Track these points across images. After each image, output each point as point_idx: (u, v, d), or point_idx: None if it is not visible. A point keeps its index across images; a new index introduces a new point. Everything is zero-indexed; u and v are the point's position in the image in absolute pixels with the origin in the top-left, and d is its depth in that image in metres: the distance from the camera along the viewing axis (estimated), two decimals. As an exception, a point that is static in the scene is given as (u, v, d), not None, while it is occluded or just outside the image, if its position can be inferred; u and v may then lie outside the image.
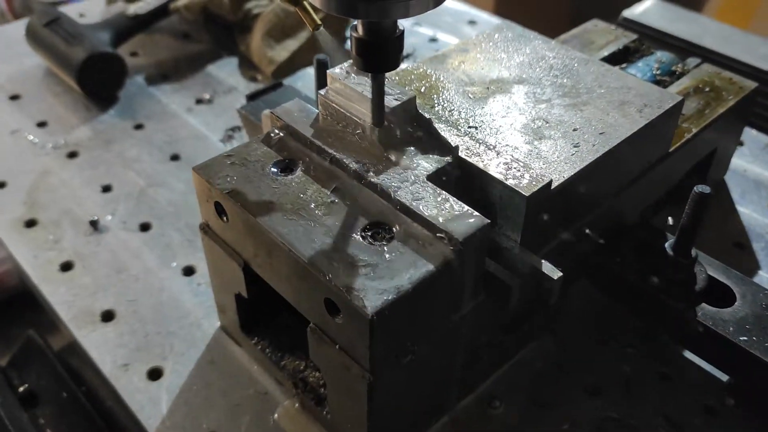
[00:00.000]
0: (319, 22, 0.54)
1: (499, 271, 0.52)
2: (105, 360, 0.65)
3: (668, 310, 0.61)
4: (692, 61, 0.85)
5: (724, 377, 0.63)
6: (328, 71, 0.57)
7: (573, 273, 0.65)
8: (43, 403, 0.69)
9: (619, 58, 0.82)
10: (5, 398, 0.68)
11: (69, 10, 1.15)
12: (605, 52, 0.81)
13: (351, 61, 0.58)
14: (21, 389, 0.70)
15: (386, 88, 0.55)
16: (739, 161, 0.87)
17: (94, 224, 0.78)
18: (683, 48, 0.99)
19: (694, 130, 0.71)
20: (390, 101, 0.54)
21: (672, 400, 0.62)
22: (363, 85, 0.56)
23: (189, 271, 0.73)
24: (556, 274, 0.52)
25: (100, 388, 0.68)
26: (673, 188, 0.75)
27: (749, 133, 0.92)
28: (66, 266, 0.74)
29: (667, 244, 0.62)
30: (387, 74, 0.59)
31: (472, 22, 1.16)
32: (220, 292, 0.64)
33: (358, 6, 0.46)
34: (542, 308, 0.62)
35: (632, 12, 1.08)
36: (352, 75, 0.57)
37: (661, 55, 0.82)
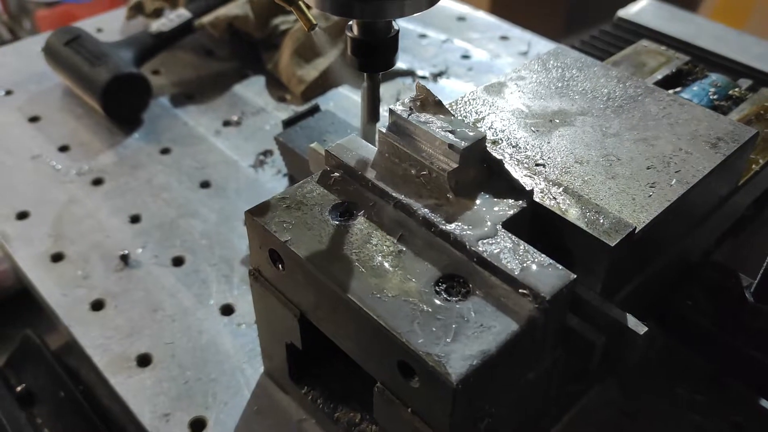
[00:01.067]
0: (314, 22, 0.52)
1: (581, 327, 0.48)
2: (144, 410, 0.61)
3: (746, 359, 0.57)
4: (744, 82, 0.82)
5: (802, 426, 0.60)
6: (390, 107, 0.53)
7: (642, 318, 0.61)
8: (40, 403, 0.67)
9: (673, 81, 0.79)
10: (2, 398, 0.67)
11: (86, 25, 1.11)
12: (658, 76, 0.78)
13: (413, 95, 0.55)
14: (18, 389, 0.68)
15: (454, 126, 0.52)
16: (794, 188, 0.84)
17: (124, 259, 0.74)
18: (678, 48, 0.97)
19: (762, 161, 0.67)
20: (458, 141, 0.50)
21: (748, 452, 0.58)
22: (428, 123, 0.52)
23: (227, 310, 0.69)
24: (641, 329, 0.48)
25: (97, 387, 0.67)
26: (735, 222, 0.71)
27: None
28: (97, 305, 0.70)
29: (746, 290, 0.58)
30: (447, 106, 0.56)
31: (504, 38, 1.12)
32: (269, 339, 0.60)
33: (354, 6, 0.46)
34: (622, 362, 0.58)
35: (627, 12, 1.07)
36: (416, 112, 0.53)
37: (716, 78, 0.79)
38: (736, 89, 0.78)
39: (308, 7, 0.51)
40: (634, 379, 0.63)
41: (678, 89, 0.77)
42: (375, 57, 0.51)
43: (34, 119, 0.95)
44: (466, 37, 1.11)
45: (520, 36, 1.12)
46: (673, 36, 1.00)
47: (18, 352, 0.71)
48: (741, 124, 0.62)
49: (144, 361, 0.65)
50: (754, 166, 0.67)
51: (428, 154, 0.52)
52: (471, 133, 0.51)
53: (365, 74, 0.52)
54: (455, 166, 0.50)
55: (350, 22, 0.50)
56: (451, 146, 0.50)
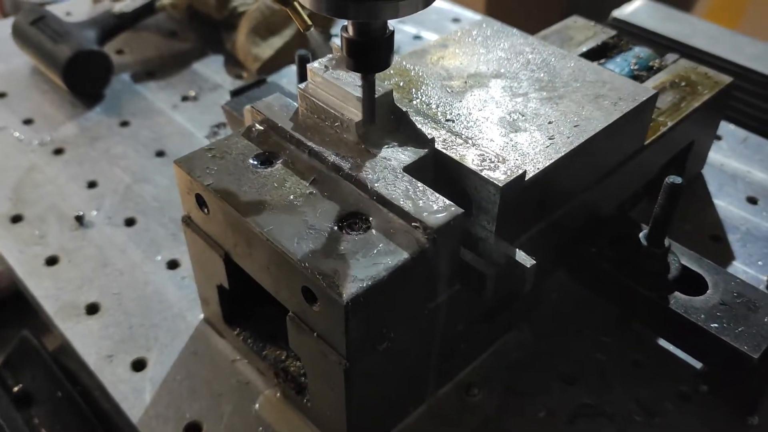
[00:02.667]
0: (309, 23, 0.55)
1: (474, 260, 0.53)
2: (90, 352, 0.65)
3: (642, 299, 0.62)
4: (671, 57, 0.87)
5: (698, 364, 0.65)
6: (307, 65, 0.58)
7: (549, 264, 0.66)
8: (37, 403, 0.69)
9: (598, 53, 0.83)
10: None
11: (56, 9, 1.15)
12: (584, 48, 0.83)
13: (331, 55, 0.59)
14: (15, 389, 0.70)
15: (363, 82, 0.56)
16: (716, 155, 0.89)
17: (79, 219, 0.79)
18: (673, 48, 1.01)
19: (670, 124, 0.72)
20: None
21: (646, 386, 0.63)
22: (341, 79, 0.57)
23: (173, 264, 0.74)
24: (529, 262, 0.53)
25: (94, 387, 0.69)
26: (650, 182, 0.76)
27: (727, 128, 0.93)
28: (51, 261, 0.74)
29: (641, 234, 0.63)
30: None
31: (456, 20, 1.17)
32: (203, 283, 0.64)
33: (348, 7, 0.47)
34: (517, 297, 0.63)
35: (622, 12, 1.10)
36: (331, 69, 0.58)
37: (639, 51, 0.84)
38: (657, 60, 0.83)
39: (303, 7, 0.52)
40: (546, 325, 0.68)
41: (602, 60, 0.82)
42: (370, 57, 0.52)
43: (1, 95, 1.00)
44: (418, 20, 1.16)
45: (472, 17, 1.17)
46: (668, 36, 1.02)
47: (15, 352, 0.74)
48: (642, 86, 0.67)
49: (92, 309, 0.69)
50: (662, 127, 0.72)
51: (340, 107, 0.56)
52: (379, 88, 0.56)
53: (360, 75, 0.53)
54: (363, 117, 0.55)
55: (345, 23, 0.51)
56: (359, 98, 0.55)
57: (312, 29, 0.55)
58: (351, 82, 0.56)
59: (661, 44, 1.01)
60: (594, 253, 0.65)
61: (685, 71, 0.80)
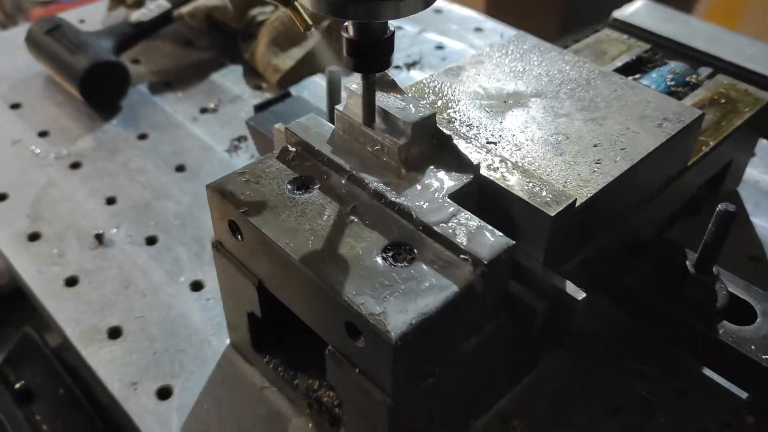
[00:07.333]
0: (310, 22, 0.53)
1: (522, 293, 0.51)
2: (113, 379, 0.63)
3: (689, 329, 0.60)
4: (704, 71, 0.84)
5: (744, 394, 0.62)
6: (347, 86, 0.56)
7: (592, 292, 0.64)
8: (39, 400, 0.69)
9: (633, 68, 0.81)
10: (1, 395, 0.68)
11: (69, 16, 1.13)
12: (618, 63, 0.80)
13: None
14: (17, 386, 0.69)
15: (406, 104, 0.54)
16: (752, 172, 0.87)
17: (99, 238, 0.76)
18: (673, 49, 0.99)
19: (712, 143, 0.70)
20: (409, 117, 0.53)
21: (691, 417, 0.61)
22: (381, 100, 0.54)
23: (197, 286, 0.72)
24: (580, 294, 0.51)
25: (95, 384, 0.67)
26: (688, 201, 0.74)
27: (761, 144, 0.91)
28: (71, 281, 0.72)
29: (688, 262, 0.61)
30: (403, 89, 0.58)
31: (478, 29, 1.14)
32: (232, 310, 0.62)
33: (348, 6, 0.46)
34: (563, 329, 0.60)
35: (622, 13, 1.08)
36: (370, 89, 0.55)
37: (675, 66, 0.82)
38: (694, 76, 0.80)
39: (305, 9, 0.51)
40: (585, 352, 0.65)
41: (637, 76, 0.80)
42: (370, 58, 0.51)
43: (15, 106, 0.97)
44: (441, 29, 1.13)
45: (494, 27, 1.15)
46: (668, 37, 1.01)
47: (17, 348, 0.73)
48: (688, 106, 0.65)
49: (115, 333, 0.67)
50: (704, 147, 0.69)
51: (381, 130, 0.54)
52: (421, 110, 0.54)
53: (361, 75, 0.52)
54: (405, 140, 0.53)
55: (345, 23, 0.50)
56: (402, 120, 0.53)
57: (314, 30, 0.53)
58: (393, 103, 0.54)
59: (662, 45, 1.00)
60: (637, 280, 0.63)
61: (724, 88, 0.77)
